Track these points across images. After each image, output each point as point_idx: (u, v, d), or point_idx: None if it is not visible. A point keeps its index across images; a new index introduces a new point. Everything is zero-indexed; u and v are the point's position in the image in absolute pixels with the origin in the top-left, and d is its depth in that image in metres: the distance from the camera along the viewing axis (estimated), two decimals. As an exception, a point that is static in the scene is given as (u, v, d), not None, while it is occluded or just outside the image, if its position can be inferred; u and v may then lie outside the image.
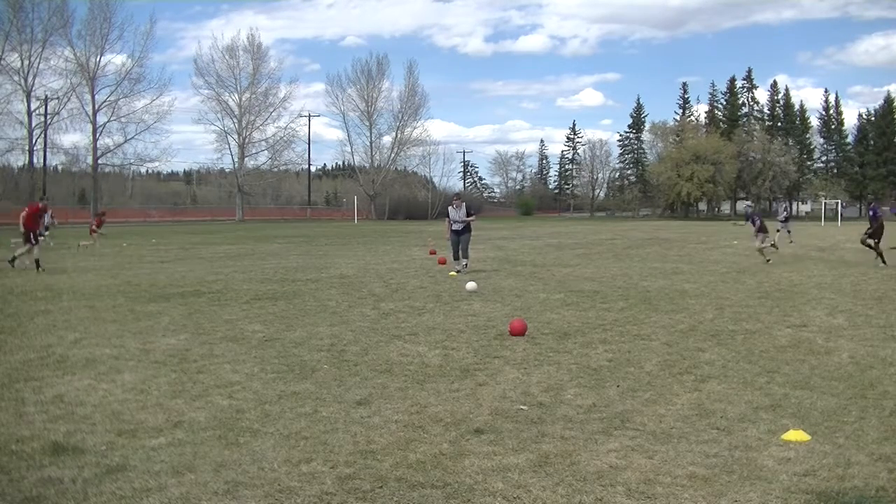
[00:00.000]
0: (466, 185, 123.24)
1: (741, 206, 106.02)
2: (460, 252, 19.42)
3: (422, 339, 10.35)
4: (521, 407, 6.98)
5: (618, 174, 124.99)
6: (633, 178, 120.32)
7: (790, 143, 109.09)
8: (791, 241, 32.99)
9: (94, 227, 31.79)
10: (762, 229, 22.20)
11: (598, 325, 11.39)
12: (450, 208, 19.90)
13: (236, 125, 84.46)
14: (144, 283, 16.93)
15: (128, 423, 6.40)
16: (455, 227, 19.57)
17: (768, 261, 21.83)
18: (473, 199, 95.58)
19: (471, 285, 15.60)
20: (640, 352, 9.49)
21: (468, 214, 19.63)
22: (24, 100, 68.53)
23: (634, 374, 8.29)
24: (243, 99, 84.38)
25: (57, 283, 17.35)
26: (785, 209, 40.93)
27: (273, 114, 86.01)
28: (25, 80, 68.02)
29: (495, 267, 19.55)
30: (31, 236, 20.36)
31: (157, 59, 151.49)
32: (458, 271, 18.76)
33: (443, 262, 21.34)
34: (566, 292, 15.13)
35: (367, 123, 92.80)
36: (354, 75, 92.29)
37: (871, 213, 22.77)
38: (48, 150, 71.69)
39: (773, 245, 24.58)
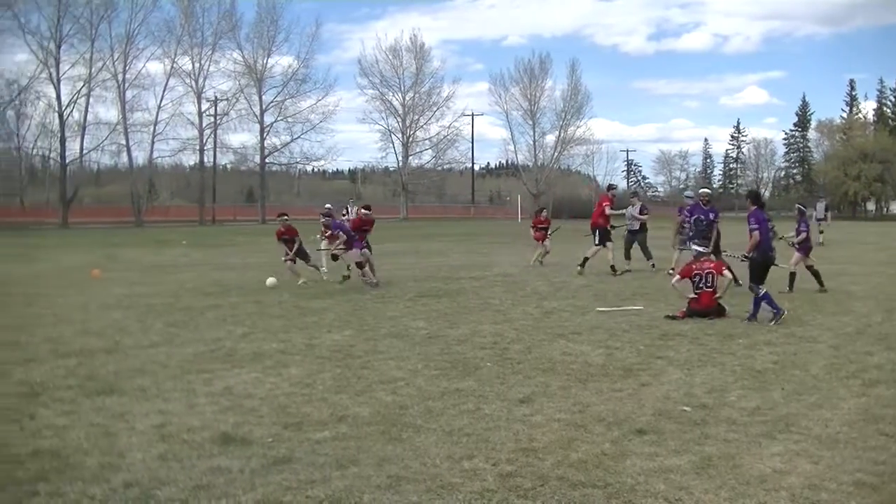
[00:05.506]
0: (630, 184, 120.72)
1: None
2: (648, 252, 19.21)
3: (584, 338, 10.16)
4: (684, 408, 6.79)
5: (783, 173, 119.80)
6: (798, 178, 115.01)
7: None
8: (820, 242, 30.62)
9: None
10: None
11: (762, 327, 10.88)
12: (629, 207, 19.70)
13: (400, 124, 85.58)
14: (308, 279, 17.28)
15: (293, 416, 6.53)
16: (631, 226, 19.47)
17: None
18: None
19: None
20: (805, 354, 9.06)
21: (641, 213, 19.47)
22: (196, 101, 71.40)
23: (800, 377, 7.94)
24: (407, 98, 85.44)
25: (224, 279, 18.07)
26: (826, 207, 35.82)
27: (436, 113, 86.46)
28: (196, 83, 70.78)
29: (660, 266, 19.05)
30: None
31: (323, 61, 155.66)
32: (626, 271, 18.47)
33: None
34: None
35: (531, 122, 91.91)
36: (517, 74, 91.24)
37: None
38: (218, 149, 73.83)
39: None
